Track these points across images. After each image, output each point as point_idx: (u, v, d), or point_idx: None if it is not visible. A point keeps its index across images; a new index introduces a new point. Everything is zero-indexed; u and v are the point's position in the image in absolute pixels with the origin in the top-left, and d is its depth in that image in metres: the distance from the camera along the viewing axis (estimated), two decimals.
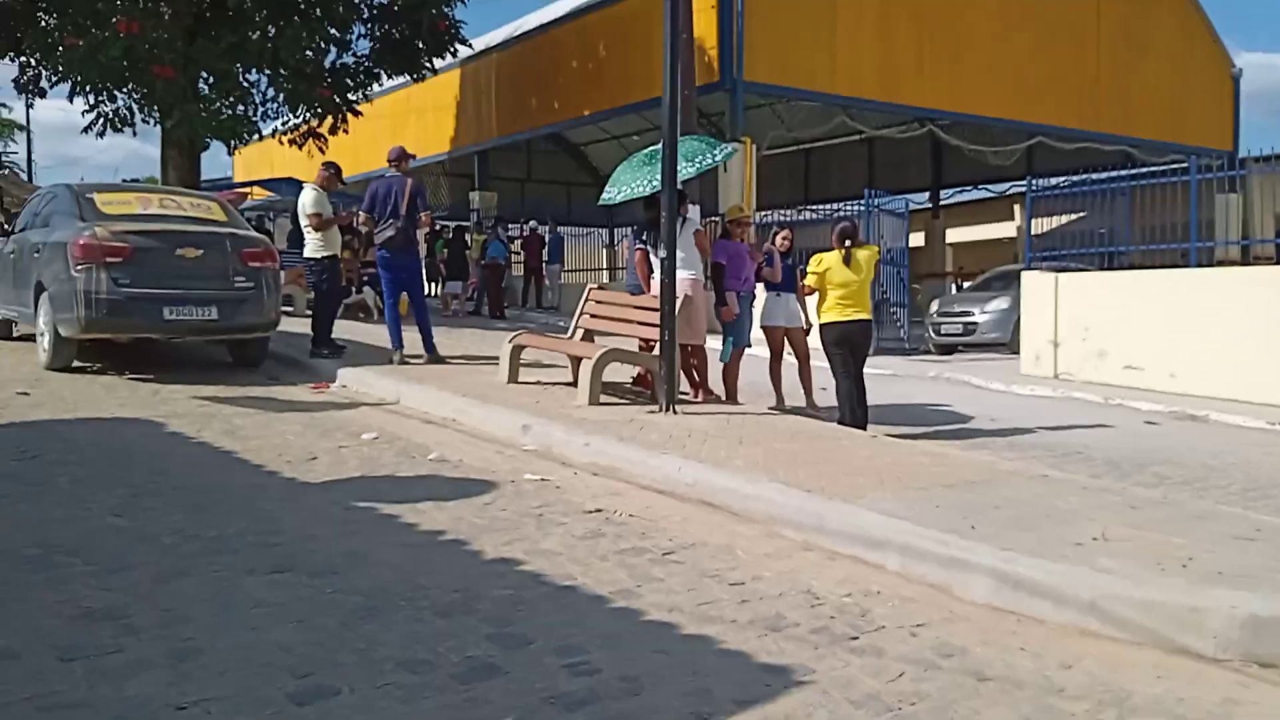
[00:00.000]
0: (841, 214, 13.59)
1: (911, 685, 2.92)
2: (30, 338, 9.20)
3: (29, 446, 5.62)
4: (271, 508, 4.56)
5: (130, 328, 7.95)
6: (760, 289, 8.54)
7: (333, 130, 17.59)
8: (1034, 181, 12.39)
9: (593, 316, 8.13)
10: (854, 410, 7.09)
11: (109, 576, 3.56)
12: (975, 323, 14.98)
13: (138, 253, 7.69)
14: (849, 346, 7.16)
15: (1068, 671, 3.10)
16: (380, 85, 19.45)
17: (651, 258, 7.66)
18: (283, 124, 17.26)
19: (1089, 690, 2.96)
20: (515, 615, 3.32)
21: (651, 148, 7.87)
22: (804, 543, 4.35)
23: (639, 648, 3.10)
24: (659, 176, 7.17)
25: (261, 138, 17.20)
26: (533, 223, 21.46)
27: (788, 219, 14.49)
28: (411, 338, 9.20)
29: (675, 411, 6.72)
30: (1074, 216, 13.04)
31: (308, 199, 9.08)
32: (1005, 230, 30.22)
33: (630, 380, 8.33)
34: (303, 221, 9.16)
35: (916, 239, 22.69)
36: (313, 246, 9.12)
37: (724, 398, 7.93)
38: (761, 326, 8.44)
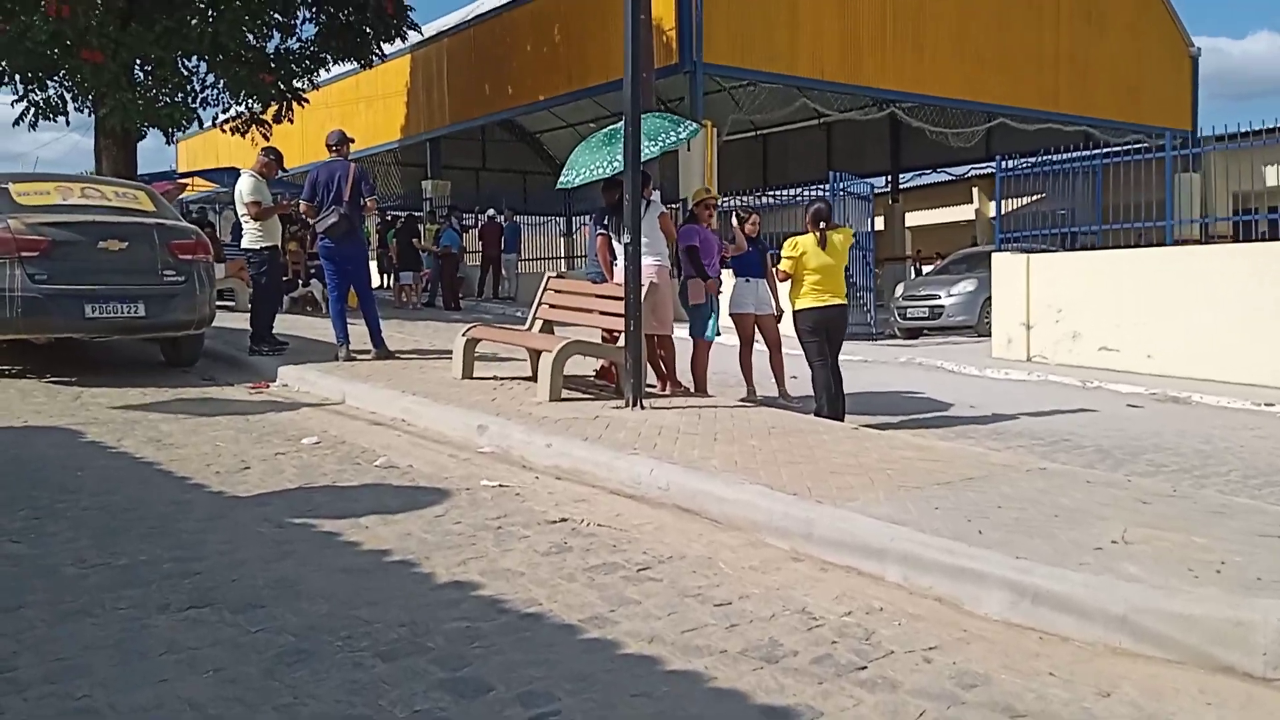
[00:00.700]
0: (814, 196, 13.14)
1: None
2: None
3: None
4: (193, 528, 4.05)
5: (49, 327, 7.34)
6: (728, 276, 8.11)
7: (278, 118, 16.86)
8: (1003, 161, 12.06)
9: (552, 307, 7.66)
10: (831, 401, 6.70)
11: None
12: (941, 306, 14.72)
13: (56, 246, 7.08)
14: (825, 333, 6.77)
15: (1106, 700, 2.71)
16: (328, 72, 18.75)
17: (614, 244, 7.21)
18: (223, 111, 16.49)
19: None
20: (471, 653, 2.86)
21: (611, 127, 7.41)
22: (792, 552, 3.93)
23: (616, 690, 2.65)
24: (619, 157, 6.72)
25: (202, 126, 16.45)
26: (490, 211, 20.86)
27: (753, 203, 14.09)
28: (359, 332, 8.65)
29: (643, 406, 6.28)
30: (1036, 198, 12.79)
31: (245, 186, 8.48)
32: (964, 213, 30.18)
33: (594, 373, 7.88)
34: (240, 211, 8.57)
35: (876, 223, 22.49)
36: (251, 237, 8.53)
37: (693, 390, 7.50)
38: (730, 314, 8.02)
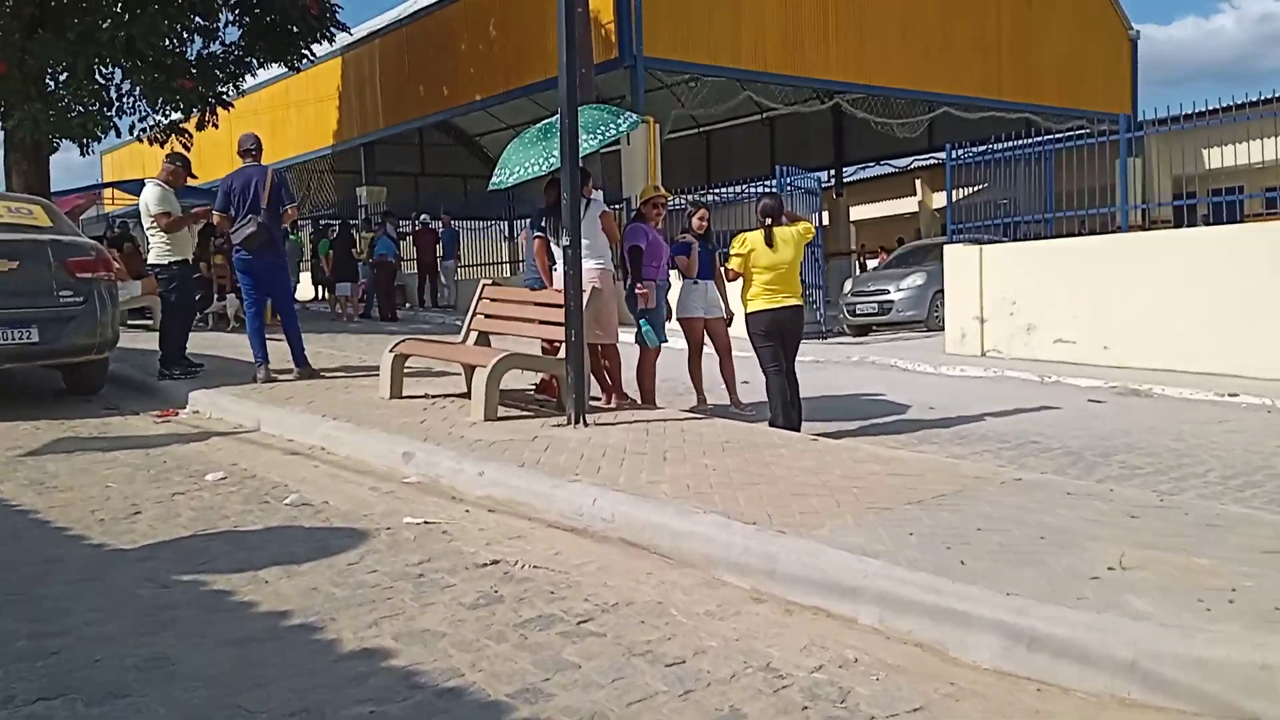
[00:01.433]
0: (763, 192, 12.69)
1: None
2: None
3: None
4: (60, 593, 3.49)
5: None
6: (674, 277, 7.65)
7: (200, 125, 16.06)
8: (953, 151, 11.76)
9: (487, 317, 7.15)
10: (786, 409, 6.26)
11: None
12: (891, 301, 14.42)
13: None
14: (779, 337, 6.33)
15: None
16: (254, 77, 17.99)
17: (552, 247, 6.72)
18: (139, 120, 15.66)
19: None
20: None
21: (546, 121, 6.90)
22: (754, 592, 3.48)
23: None
24: (556, 153, 6.23)
25: (119, 136, 15.61)
26: (424, 216, 20.15)
27: (701, 199, 13.63)
28: (282, 350, 8.05)
29: (586, 424, 5.81)
30: (978, 188, 12.51)
31: (151, 197, 7.81)
32: (907, 206, 30.15)
33: (533, 387, 7.38)
34: (145, 223, 7.90)
35: (823, 218, 22.26)
36: (159, 251, 7.86)
37: (640, 401, 7.04)
38: (678, 319, 7.56)
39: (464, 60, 19.43)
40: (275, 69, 18.52)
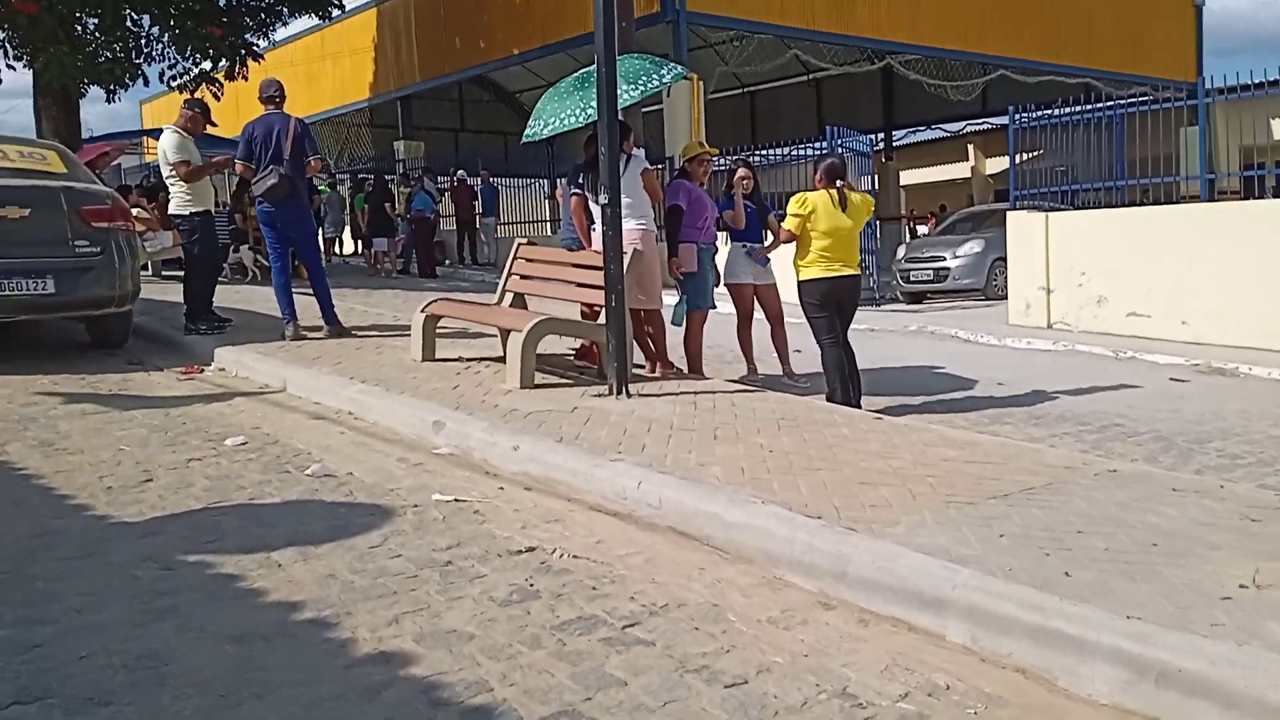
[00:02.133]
0: (823, 151, 12.04)
1: None
2: None
3: None
4: (52, 572, 3.16)
5: None
6: (722, 240, 7.18)
7: (230, 76, 15.69)
8: (1016, 113, 11.11)
9: (523, 278, 6.74)
10: (845, 384, 5.81)
11: None
12: (947, 268, 13.83)
13: None
14: (835, 307, 5.86)
15: None
16: (284, 25, 17.59)
17: (591, 205, 6.27)
18: (169, 67, 15.32)
19: None
20: None
21: (583, 70, 6.42)
22: (821, 596, 3.08)
23: None
24: (593, 104, 5.77)
25: (147, 84, 15.32)
26: (461, 172, 19.70)
27: (746, 159, 13.04)
28: (312, 306, 7.70)
29: (629, 394, 5.40)
30: (1033, 154, 11.86)
31: (168, 144, 7.42)
32: (959, 171, 29.27)
33: (572, 352, 6.98)
34: (165, 172, 7.54)
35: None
36: (179, 201, 7.51)
37: (686, 370, 6.62)
38: (726, 285, 7.11)
39: (500, 12, 18.88)
40: (310, 20, 18.10)
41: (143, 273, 12.47)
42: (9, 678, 2.47)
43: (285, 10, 16.08)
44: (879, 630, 2.85)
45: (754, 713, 2.34)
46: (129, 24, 14.48)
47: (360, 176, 19.69)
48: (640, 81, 6.12)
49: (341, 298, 8.01)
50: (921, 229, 24.58)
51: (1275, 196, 11.34)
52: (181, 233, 7.65)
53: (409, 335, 7.03)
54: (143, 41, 14.86)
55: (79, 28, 13.93)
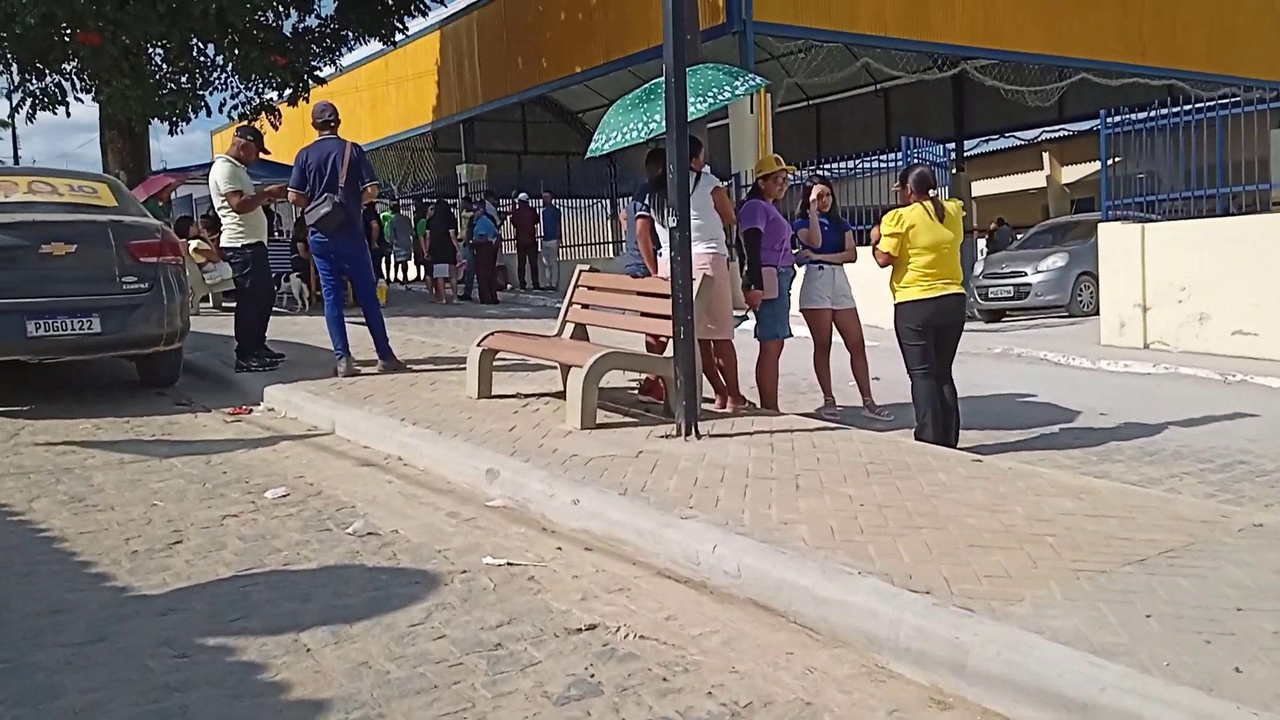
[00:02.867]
0: (915, 161, 11.40)
1: None
2: None
3: None
4: (56, 661, 2.82)
5: None
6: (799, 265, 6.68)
7: (293, 100, 15.67)
8: (1108, 116, 10.43)
9: (584, 307, 6.35)
10: (936, 419, 5.26)
11: None
12: (1029, 284, 13.13)
13: None
14: (935, 332, 5.30)
15: None
16: (349, 51, 17.60)
17: (657, 228, 5.86)
18: (231, 96, 15.35)
19: None
20: None
21: (652, 81, 6.01)
22: (934, 691, 2.59)
23: None
24: (658, 117, 5.36)
25: (209, 115, 15.37)
26: (522, 194, 19.48)
27: (824, 174, 12.49)
28: (367, 338, 7.40)
29: (698, 434, 4.96)
30: (1113, 161, 11.12)
31: (220, 174, 7.20)
32: (1033, 181, 28.28)
33: (636, 385, 6.56)
34: (217, 202, 7.31)
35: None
36: (231, 233, 7.28)
37: (759, 404, 6.15)
38: (801, 310, 6.63)
39: (563, 30, 18.66)
40: (373, 45, 18.08)
41: (204, 304, 12.51)
42: None
43: (350, 35, 16.03)
44: None
45: None
46: (194, 54, 14.52)
47: (425, 201, 19.56)
48: (710, 94, 5.69)
49: (400, 327, 7.71)
50: (980, 242, 23.63)
51: None
52: (233, 265, 7.42)
53: (465, 369, 6.68)
54: (208, 71, 14.91)
55: (144, 58, 14.00)
